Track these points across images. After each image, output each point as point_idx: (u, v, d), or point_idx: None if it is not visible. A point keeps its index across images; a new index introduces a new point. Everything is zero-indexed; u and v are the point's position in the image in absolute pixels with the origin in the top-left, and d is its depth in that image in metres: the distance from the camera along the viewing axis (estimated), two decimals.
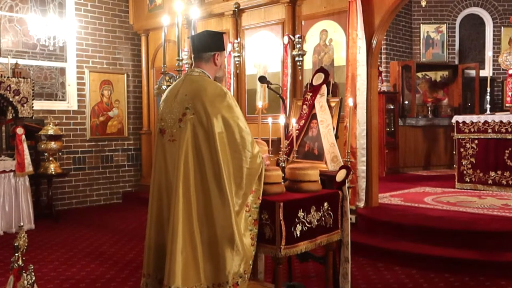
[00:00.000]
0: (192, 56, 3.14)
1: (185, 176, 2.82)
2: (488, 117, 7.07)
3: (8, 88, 6.55)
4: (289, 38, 6.58)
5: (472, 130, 7.17)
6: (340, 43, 6.22)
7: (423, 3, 8.60)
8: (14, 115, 6.69)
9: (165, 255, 2.86)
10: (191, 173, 2.82)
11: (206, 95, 2.87)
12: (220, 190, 2.80)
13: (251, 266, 2.91)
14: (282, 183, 3.25)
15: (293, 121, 4.20)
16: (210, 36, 3.11)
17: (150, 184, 3.09)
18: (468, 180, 7.26)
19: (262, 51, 7.05)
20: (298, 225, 3.01)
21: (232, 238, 2.79)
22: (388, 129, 9.18)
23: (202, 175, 2.83)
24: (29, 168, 6.64)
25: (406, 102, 9.98)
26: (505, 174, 6.92)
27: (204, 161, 2.82)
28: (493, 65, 9.99)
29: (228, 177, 2.81)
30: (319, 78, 4.26)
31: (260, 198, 2.99)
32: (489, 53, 10.16)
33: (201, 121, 2.83)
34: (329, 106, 4.14)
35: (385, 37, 9.66)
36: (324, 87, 4.21)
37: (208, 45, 3.05)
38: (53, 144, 7.25)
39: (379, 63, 8.92)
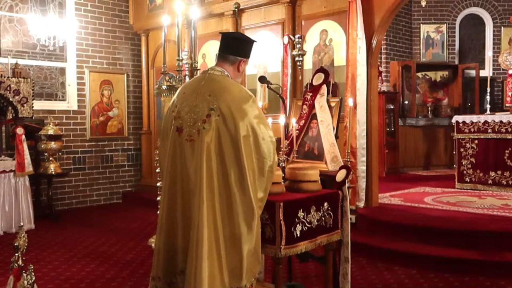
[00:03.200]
0: (217, 53, 3.04)
1: (208, 179, 2.72)
2: (488, 117, 7.07)
3: (8, 88, 6.55)
4: (289, 38, 6.58)
5: (472, 130, 7.17)
6: (340, 43, 6.22)
7: (423, 3, 8.61)
8: (14, 115, 6.69)
9: (176, 258, 2.82)
10: (215, 177, 2.74)
11: (232, 97, 2.80)
12: (244, 195, 2.73)
13: (259, 268, 2.94)
14: (282, 183, 3.25)
15: (293, 121, 4.20)
16: (243, 41, 3.04)
17: (161, 184, 2.99)
18: (468, 180, 7.26)
19: (262, 51, 7.05)
20: (298, 225, 3.01)
21: (255, 244, 2.76)
22: (388, 129, 9.19)
23: (226, 178, 2.75)
24: (29, 168, 6.63)
25: (406, 102, 9.98)
26: (505, 174, 6.92)
27: (228, 165, 2.74)
28: (493, 65, 9.99)
29: (252, 182, 2.75)
30: (319, 78, 4.26)
31: (265, 202, 2.96)
32: (489, 53, 10.16)
33: (226, 124, 2.75)
34: (329, 106, 4.14)
35: (385, 37, 9.66)
36: (324, 87, 4.21)
37: (238, 49, 2.99)
38: (53, 144, 7.25)
39: (379, 63, 8.93)
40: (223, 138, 2.75)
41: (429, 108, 10.36)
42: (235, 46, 2.99)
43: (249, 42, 3.07)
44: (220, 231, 2.74)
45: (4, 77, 6.58)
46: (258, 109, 2.86)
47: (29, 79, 6.86)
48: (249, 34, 7.18)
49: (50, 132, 7.23)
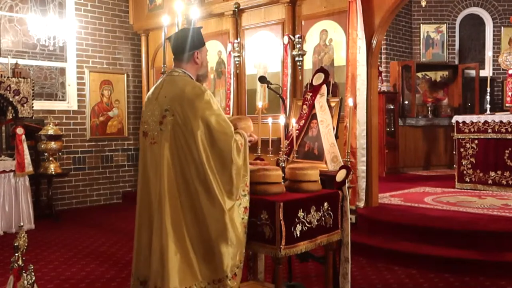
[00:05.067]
0: (173, 57, 3.06)
1: (169, 178, 2.80)
2: (488, 117, 7.07)
3: (8, 88, 6.55)
4: (289, 38, 6.58)
5: (472, 130, 7.17)
6: (340, 43, 6.22)
7: (423, 3, 8.61)
8: (14, 115, 6.69)
9: (148, 258, 2.86)
10: (174, 176, 2.81)
11: (185, 95, 2.83)
12: (207, 190, 2.78)
13: (244, 254, 2.93)
14: (282, 183, 3.25)
15: (293, 121, 4.20)
16: (187, 35, 3.00)
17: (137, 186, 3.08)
18: (468, 180, 7.26)
19: (262, 51, 7.05)
20: (298, 225, 3.01)
21: (225, 233, 2.79)
22: (388, 129, 9.19)
23: (186, 176, 2.80)
24: (29, 168, 6.63)
25: (406, 102, 9.98)
26: (505, 174, 6.92)
27: (187, 163, 2.80)
28: (493, 65, 10.00)
29: (214, 176, 2.79)
30: (319, 78, 4.25)
31: (248, 184, 2.97)
32: (489, 53, 10.16)
33: (180, 123, 2.80)
34: (329, 106, 4.14)
35: (385, 37, 9.66)
36: (324, 87, 4.20)
37: (186, 45, 2.98)
38: (53, 144, 7.25)
39: (379, 63, 8.93)
40: (180, 136, 2.80)
41: (429, 108, 10.36)
42: (181, 44, 2.98)
43: (192, 32, 3.02)
44: (184, 228, 2.79)
45: (4, 77, 6.59)
46: (212, 104, 2.85)
47: (29, 79, 6.87)
48: (249, 34, 7.21)
49: (50, 132, 7.23)
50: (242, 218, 2.91)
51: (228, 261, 2.81)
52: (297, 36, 6.53)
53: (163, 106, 2.86)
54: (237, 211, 2.88)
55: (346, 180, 3.40)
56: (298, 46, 6.51)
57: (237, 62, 7.25)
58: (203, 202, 2.79)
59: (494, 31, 10.87)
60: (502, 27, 10.79)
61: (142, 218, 2.95)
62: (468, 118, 7.26)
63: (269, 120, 3.95)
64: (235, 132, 2.96)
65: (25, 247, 2.94)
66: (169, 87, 2.91)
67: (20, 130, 6.59)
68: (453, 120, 7.44)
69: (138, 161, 3.08)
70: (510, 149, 6.86)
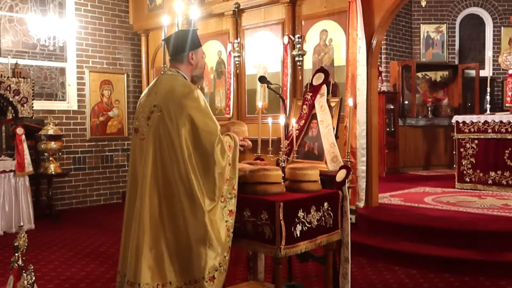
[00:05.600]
0: (169, 58, 3.10)
1: (151, 175, 2.82)
2: (488, 117, 7.07)
3: (8, 88, 6.55)
4: (289, 38, 6.58)
5: (472, 130, 7.18)
6: (340, 43, 6.22)
7: (423, 3, 8.61)
8: (14, 115, 6.69)
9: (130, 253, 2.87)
10: (156, 172, 2.82)
11: (174, 93, 2.85)
12: (188, 188, 2.77)
13: (226, 258, 2.88)
14: (282, 183, 3.25)
15: (293, 121, 4.20)
16: (182, 37, 3.04)
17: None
18: (468, 180, 7.26)
19: (262, 51, 7.05)
20: (298, 225, 3.01)
21: (205, 235, 2.77)
22: (388, 129, 9.19)
23: (168, 173, 2.81)
24: (29, 168, 6.64)
25: (406, 102, 9.98)
26: (505, 174, 6.92)
27: (170, 160, 2.79)
28: (493, 65, 9.99)
29: (195, 175, 2.77)
30: (319, 78, 4.25)
31: (236, 188, 2.95)
32: (489, 53, 10.16)
33: (167, 119, 2.81)
34: (329, 106, 4.14)
35: (385, 37, 9.66)
36: (324, 87, 4.21)
37: (182, 46, 3.00)
38: (53, 144, 7.25)
39: (379, 63, 8.93)
40: (165, 133, 2.81)
41: (429, 108, 10.36)
42: (177, 45, 3.02)
43: (187, 34, 3.05)
44: (161, 226, 2.80)
45: (4, 77, 6.59)
46: (200, 102, 2.86)
47: (29, 79, 6.87)
48: (249, 34, 7.21)
49: (50, 132, 7.23)
50: (226, 221, 2.88)
51: (205, 262, 2.77)
52: (297, 36, 6.53)
53: (152, 102, 2.90)
54: (220, 213, 2.86)
55: (346, 180, 3.40)
56: (298, 46, 6.51)
57: (237, 62, 7.25)
58: (183, 201, 2.78)
59: (494, 31, 10.87)
60: (502, 27, 10.79)
61: (129, 215, 2.96)
62: (468, 118, 7.26)
63: (269, 120, 3.95)
64: (225, 134, 2.98)
65: (25, 247, 2.94)
66: (161, 85, 2.95)
67: (20, 130, 6.59)
68: (453, 120, 7.44)
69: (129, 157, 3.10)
70: (510, 149, 6.86)
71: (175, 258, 2.81)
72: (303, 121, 4.25)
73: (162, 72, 3.08)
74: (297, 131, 4.18)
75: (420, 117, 10.12)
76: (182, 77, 2.99)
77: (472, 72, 10.38)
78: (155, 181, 2.82)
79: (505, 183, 6.93)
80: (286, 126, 4.24)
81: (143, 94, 3.08)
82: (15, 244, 2.90)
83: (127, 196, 3.02)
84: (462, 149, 7.30)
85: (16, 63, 7.00)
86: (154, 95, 2.92)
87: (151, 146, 2.84)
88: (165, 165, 2.82)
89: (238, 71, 7.30)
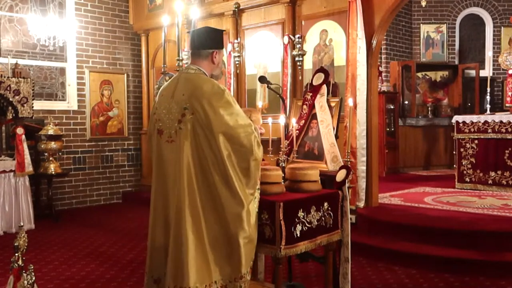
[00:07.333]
0: (190, 51, 3.08)
1: (188, 177, 2.80)
2: (488, 117, 7.07)
3: (8, 88, 6.55)
4: (289, 38, 6.58)
5: (472, 130, 7.17)
6: (340, 43, 6.22)
7: (423, 3, 8.61)
8: (14, 115, 6.69)
9: (163, 256, 2.86)
10: (194, 174, 2.81)
11: (203, 93, 2.82)
12: (229, 187, 2.79)
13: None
14: (282, 183, 3.25)
15: (293, 121, 4.20)
16: (210, 33, 3.05)
17: (152, 185, 3.06)
18: (468, 180, 7.26)
19: (262, 51, 7.05)
20: (298, 225, 3.01)
21: (243, 229, 2.80)
22: (388, 129, 9.19)
23: (206, 175, 2.81)
24: (29, 168, 6.63)
25: (406, 102, 9.98)
26: (505, 174, 6.92)
27: (207, 161, 2.80)
28: (493, 65, 9.99)
29: (235, 173, 2.79)
30: (319, 78, 4.25)
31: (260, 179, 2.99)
32: (489, 53, 10.15)
33: (200, 121, 2.80)
34: (329, 106, 4.14)
35: (385, 37, 9.66)
36: (324, 87, 4.20)
37: (208, 42, 3.00)
38: (53, 144, 7.25)
39: (379, 63, 8.92)
40: (200, 135, 2.81)
41: (429, 108, 10.36)
42: (204, 40, 3.01)
43: (215, 32, 3.08)
44: (203, 227, 2.80)
45: (4, 77, 6.58)
46: (231, 101, 2.87)
47: (29, 79, 6.86)
48: (249, 34, 7.21)
49: (50, 132, 7.23)
50: (256, 212, 2.92)
51: (247, 257, 2.83)
52: (297, 36, 6.53)
53: (181, 104, 2.84)
54: (253, 205, 2.89)
55: (346, 180, 3.40)
56: (298, 46, 6.51)
57: (237, 62, 7.25)
58: (223, 198, 2.79)
59: (494, 31, 10.87)
60: (502, 27, 10.79)
61: (158, 217, 2.94)
62: (468, 118, 7.25)
63: (269, 120, 3.95)
64: None
65: (25, 247, 2.94)
66: (186, 85, 2.90)
67: (20, 130, 6.59)
68: (453, 120, 7.43)
69: (152, 159, 3.04)
70: (510, 149, 6.85)
71: (220, 258, 2.82)
72: (303, 121, 4.25)
73: (181, 70, 3.06)
74: (297, 131, 4.18)
75: (420, 117, 10.12)
76: (205, 75, 2.97)
77: (472, 72, 10.38)
78: (192, 183, 2.80)
79: (505, 183, 6.92)
80: (286, 126, 4.24)
81: (162, 93, 3.01)
82: (15, 244, 2.90)
83: (153, 199, 2.98)
84: (462, 149, 7.30)
85: (16, 63, 7.00)
86: (181, 96, 2.86)
87: (187, 149, 2.81)
88: (202, 166, 2.81)
89: (238, 71, 7.30)
